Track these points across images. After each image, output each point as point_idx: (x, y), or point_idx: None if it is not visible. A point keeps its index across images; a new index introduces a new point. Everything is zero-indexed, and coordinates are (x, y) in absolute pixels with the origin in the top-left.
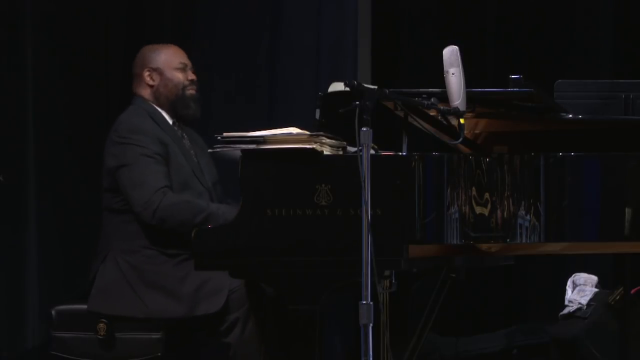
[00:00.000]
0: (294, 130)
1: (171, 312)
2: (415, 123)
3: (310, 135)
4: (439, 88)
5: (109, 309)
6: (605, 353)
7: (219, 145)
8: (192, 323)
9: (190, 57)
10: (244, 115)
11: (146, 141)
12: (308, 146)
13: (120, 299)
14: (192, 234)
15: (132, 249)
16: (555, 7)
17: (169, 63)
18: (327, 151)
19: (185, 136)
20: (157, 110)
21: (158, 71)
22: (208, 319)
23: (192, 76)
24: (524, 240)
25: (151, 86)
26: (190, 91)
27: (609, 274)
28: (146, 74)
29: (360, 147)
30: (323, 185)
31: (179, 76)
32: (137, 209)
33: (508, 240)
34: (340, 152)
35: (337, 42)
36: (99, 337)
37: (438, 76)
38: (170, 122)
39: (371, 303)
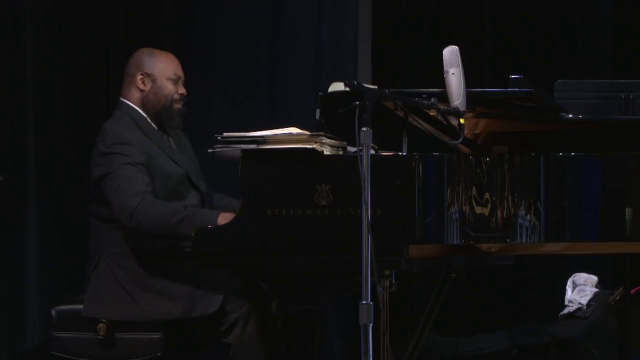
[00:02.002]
0: (294, 130)
1: (168, 314)
2: (415, 123)
3: (310, 135)
4: (439, 88)
5: (104, 314)
6: (605, 353)
7: (219, 145)
8: (190, 324)
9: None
10: (244, 116)
11: (131, 151)
12: (308, 146)
13: (115, 303)
14: (193, 234)
15: (124, 252)
16: (555, 8)
17: (163, 71)
18: (327, 151)
19: (171, 140)
20: (143, 116)
21: (151, 77)
22: (206, 320)
23: (182, 90)
24: (524, 240)
25: (141, 91)
26: (178, 105)
27: (609, 274)
28: (139, 77)
29: (360, 147)
30: (323, 185)
31: (170, 87)
32: (116, 213)
33: (508, 240)
34: (340, 152)
35: (337, 42)
36: (99, 337)
37: (438, 76)
38: (156, 127)
39: (371, 303)
